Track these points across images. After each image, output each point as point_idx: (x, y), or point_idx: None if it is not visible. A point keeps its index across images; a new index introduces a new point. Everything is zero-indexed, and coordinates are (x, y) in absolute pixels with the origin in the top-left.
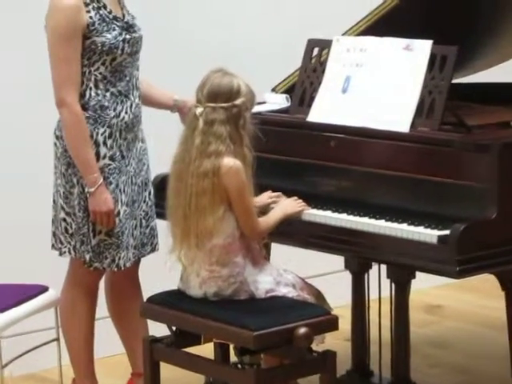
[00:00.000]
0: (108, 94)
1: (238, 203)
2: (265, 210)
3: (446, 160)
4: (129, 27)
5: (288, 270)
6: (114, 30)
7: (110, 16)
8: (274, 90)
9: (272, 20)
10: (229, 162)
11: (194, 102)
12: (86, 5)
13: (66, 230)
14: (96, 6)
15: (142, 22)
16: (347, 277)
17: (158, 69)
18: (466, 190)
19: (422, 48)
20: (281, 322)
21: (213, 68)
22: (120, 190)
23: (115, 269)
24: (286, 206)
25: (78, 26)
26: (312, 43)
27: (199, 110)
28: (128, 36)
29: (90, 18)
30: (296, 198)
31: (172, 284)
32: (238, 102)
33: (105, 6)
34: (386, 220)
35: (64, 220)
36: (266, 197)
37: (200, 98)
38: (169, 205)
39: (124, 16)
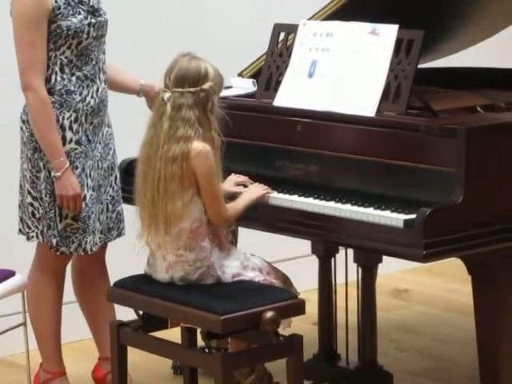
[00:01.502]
0: (74, 79)
1: (206, 188)
2: (231, 196)
3: (412, 144)
4: (94, 11)
5: (255, 255)
6: (80, 13)
7: (76, 0)
8: (240, 74)
9: (238, 4)
10: (198, 145)
11: (161, 87)
12: None
13: (33, 215)
14: None
15: (107, 6)
16: (314, 261)
17: (124, 53)
18: (432, 175)
19: (388, 32)
20: (248, 306)
21: (180, 52)
22: (86, 174)
23: (82, 253)
24: (251, 192)
25: (43, 11)
26: (278, 27)
27: (167, 95)
28: (93, 20)
29: (55, 1)
30: (258, 183)
31: (138, 268)
32: (205, 86)
33: None
34: (353, 204)
35: (31, 204)
36: (231, 183)
37: (167, 83)
38: (137, 189)
39: (89, 0)
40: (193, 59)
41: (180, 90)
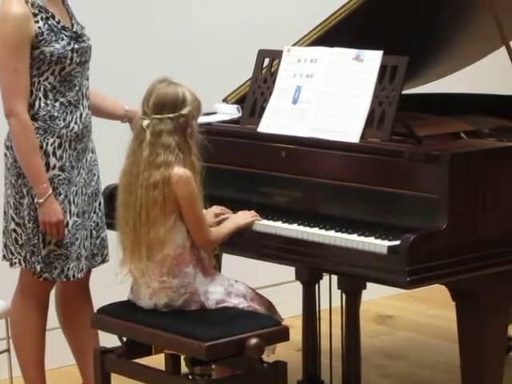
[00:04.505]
0: (57, 104)
1: (189, 212)
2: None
3: (396, 170)
4: (77, 37)
5: (239, 281)
6: (63, 39)
7: (59, 26)
8: (224, 100)
9: (223, 30)
10: (179, 171)
11: (139, 114)
12: (35, 15)
13: (17, 241)
14: (44, 16)
15: (90, 32)
16: (298, 287)
17: (107, 78)
18: (416, 201)
19: (372, 59)
20: (232, 333)
21: (157, 78)
22: (69, 200)
23: (64, 279)
24: (238, 217)
25: (26, 36)
26: (263, 53)
27: (146, 122)
28: (77, 46)
29: (39, 28)
30: (247, 210)
31: (122, 295)
32: (184, 111)
33: (53, 16)
34: (336, 231)
35: (14, 231)
36: (211, 215)
37: (146, 110)
38: (118, 218)
39: (73, 26)
40: (170, 85)
41: (159, 116)
